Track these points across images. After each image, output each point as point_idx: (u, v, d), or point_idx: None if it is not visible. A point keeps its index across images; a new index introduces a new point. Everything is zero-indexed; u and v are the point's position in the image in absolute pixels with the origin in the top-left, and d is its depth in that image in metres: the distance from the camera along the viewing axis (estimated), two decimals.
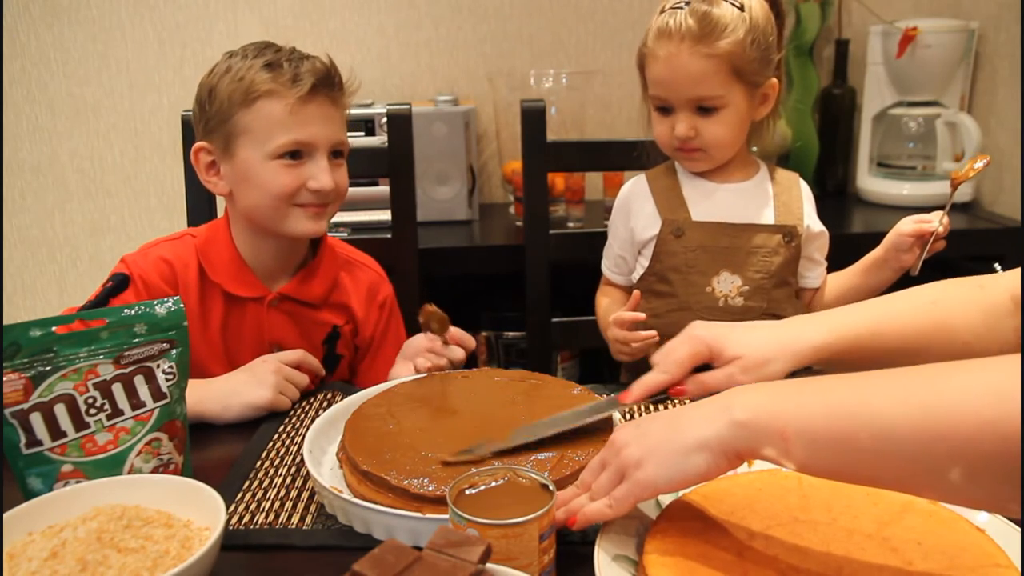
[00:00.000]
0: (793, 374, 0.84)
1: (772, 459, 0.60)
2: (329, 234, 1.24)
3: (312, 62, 1.09)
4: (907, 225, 1.13)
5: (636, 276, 1.25)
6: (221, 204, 1.30)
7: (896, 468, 0.55)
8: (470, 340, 1.10)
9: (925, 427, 0.52)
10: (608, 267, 1.31)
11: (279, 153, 1.07)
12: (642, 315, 1.08)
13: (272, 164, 1.07)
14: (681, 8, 1.11)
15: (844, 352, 0.84)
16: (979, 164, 1.11)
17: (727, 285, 1.17)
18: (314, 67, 1.08)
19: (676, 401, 0.91)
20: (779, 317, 1.19)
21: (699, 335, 0.86)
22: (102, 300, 1.06)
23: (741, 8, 1.11)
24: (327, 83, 1.08)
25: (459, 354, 1.09)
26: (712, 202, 1.20)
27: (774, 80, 1.17)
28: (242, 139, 1.07)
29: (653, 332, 1.07)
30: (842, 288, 1.24)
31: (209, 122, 1.09)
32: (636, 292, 1.11)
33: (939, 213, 1.12)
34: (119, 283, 1.07)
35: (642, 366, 1.23)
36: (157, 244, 1.15)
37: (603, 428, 0.84)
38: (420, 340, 1.10)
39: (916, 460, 0.53)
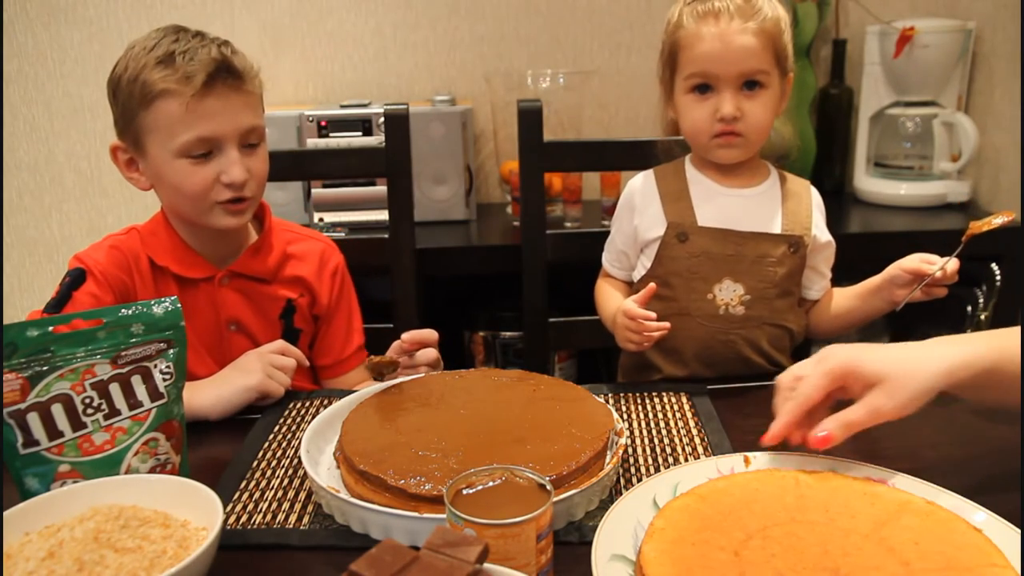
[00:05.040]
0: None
1: None
2: (312, 225, 1.25)
3: (208, 50, 1.05)
4: (909, 261, 1.10)
5: (637, 276, 1.23)
6: None
7: None
8: (428, 334, 1.09)
9: None
10: (609, 260, 1.29)
11: (185, 150, 1.05)
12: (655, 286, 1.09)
13: (180, 163, 1.06)
14: None
15: (974, 377, 0.79)
16: (999, 220, 1.08)
17: (728, 293, 1.15)
18: (208, 58, 1.04)
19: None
20: (781, 327, 1.18)
21: (834, 354, 0.82)
22: (64, 295, 1.06)
23: None
24: (222, 73, 1.05)
25: (431, 355, 1.10)
26: (720, 207, 1.18)
27: (791, 75, 1.17)
28: (149, 137, 1.07)
29: (666, 324, 1.07)
30: (840, 308, 1.22)
31: (118, 122, 1.10)
32: (652, 285, 1.11)
33: (946, 259, 1.08)
34: (76, 277, 1.07)
35: (642, 367, 1.24)
36: (106, 239, 1.15)
37: (604, 420, 0.84)
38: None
39: None
